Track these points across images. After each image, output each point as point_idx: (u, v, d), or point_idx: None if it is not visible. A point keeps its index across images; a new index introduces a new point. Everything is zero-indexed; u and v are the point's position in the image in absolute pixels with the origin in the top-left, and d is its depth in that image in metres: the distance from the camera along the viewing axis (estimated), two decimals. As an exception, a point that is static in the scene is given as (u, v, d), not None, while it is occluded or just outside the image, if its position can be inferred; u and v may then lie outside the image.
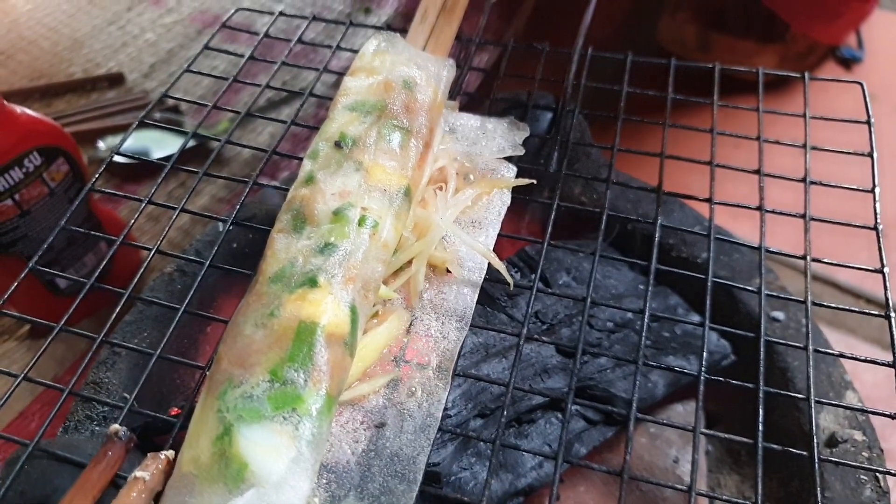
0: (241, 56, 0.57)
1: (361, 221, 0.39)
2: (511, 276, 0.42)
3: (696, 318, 0.51)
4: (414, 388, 0.38)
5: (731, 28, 0.94)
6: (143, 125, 0.88)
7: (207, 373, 0.37)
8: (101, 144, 0.87)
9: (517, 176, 0.47)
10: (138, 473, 0.34)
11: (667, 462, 0.38)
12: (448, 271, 0.42)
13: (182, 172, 0.49)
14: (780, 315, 0.52)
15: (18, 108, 0.65)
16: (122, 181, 0.84)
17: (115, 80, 0.95)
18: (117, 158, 0.81)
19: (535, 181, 0.47)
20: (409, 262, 0.42)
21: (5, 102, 0.63)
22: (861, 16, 0.94)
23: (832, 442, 0.46)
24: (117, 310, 0.43)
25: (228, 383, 0.34)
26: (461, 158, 0.47)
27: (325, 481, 0.35)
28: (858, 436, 0.46)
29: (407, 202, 0.42)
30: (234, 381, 0.34)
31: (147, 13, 1.04)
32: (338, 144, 0.42)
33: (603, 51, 0.54)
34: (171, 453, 0.35)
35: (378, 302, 0.41)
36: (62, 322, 0.42)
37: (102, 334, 0.41)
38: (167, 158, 0.51)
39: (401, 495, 0.34)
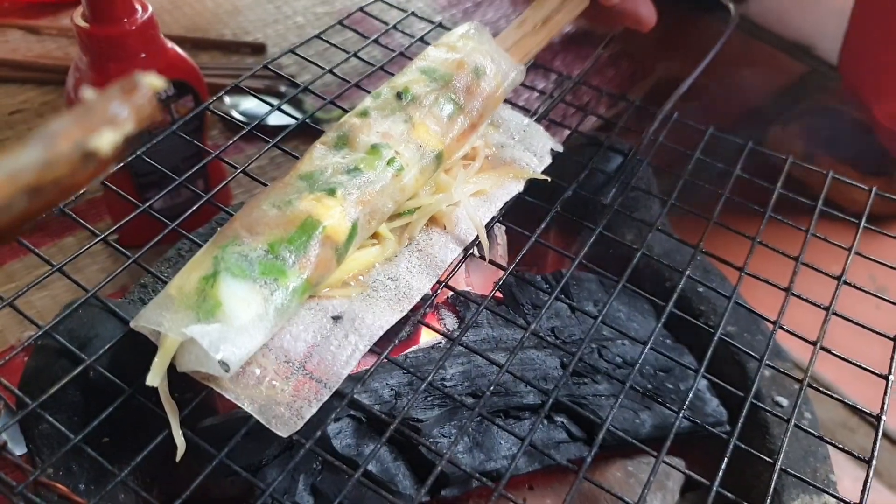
0: (366, 37, 0.63)
1: (391, 162, 0.45)
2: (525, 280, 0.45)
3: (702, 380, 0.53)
4: (374, 305, 0.43)
5: (837, 153, 0.94)
6: (266, 92, 0.97)
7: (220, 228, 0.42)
8: (227, 100, 0.95)
9: (543, 172, 0.52)
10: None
11: (633, 497, 0.40)
12: (444, 227, 0.47)
13: (295, 140, 0.55)
14: (783, 401, 0.53)
15: (170, 44, 0.74)
16: (233, 135, 0.92)
17: (258, 49, 1.05)
18: (234, 113, 0.89)
19: (548, 178, 0.51)
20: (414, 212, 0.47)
21: (161, 35, 0.72)
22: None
23: (798, 527, 0.47)
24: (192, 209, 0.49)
25: (233, 240, 0.40)
26: (495, 147, 0.52)
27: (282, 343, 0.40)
28: (825, 530, 0.47)
29: (436, 163, 0.47)
30: (238, 241, 0.39)
31: (304, 0, 1.14)
32: (399, 95, 0.48)
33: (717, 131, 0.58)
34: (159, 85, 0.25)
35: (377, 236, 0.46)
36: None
37: (175, 224, 0.47)
38: (280, 126, 0.57)
39: (333, 365, 0.40)
